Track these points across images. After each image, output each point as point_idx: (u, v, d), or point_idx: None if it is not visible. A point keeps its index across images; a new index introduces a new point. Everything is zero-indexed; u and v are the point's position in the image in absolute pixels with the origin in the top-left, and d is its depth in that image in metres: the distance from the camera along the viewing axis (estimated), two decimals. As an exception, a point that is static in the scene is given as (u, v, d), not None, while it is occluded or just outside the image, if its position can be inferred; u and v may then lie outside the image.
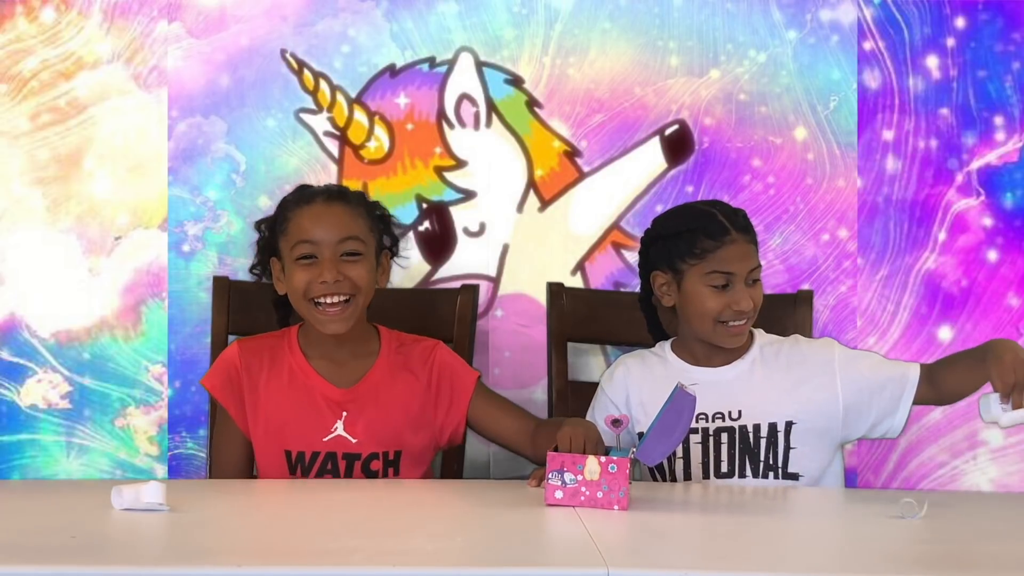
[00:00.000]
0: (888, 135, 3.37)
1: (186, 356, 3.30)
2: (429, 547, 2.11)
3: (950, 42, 3.37)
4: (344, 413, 2.79)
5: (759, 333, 2.87)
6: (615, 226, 3.36)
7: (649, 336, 2.95)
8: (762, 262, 2.87)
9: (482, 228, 3.35)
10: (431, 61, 3.34)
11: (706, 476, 2.77)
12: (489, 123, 3.35)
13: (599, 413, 2.83)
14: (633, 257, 3.36)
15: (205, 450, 3.21)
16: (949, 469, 3.38)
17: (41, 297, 3.30)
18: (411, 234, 3.33)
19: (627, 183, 3.36)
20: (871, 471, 3.38)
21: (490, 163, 3.35)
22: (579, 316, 3.20)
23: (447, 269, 3.34)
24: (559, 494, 2.35)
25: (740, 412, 2.79)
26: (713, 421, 2.78)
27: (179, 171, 3.31)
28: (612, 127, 3.35)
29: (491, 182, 3.35)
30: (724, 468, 2.77)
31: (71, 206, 3.31)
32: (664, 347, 2.89)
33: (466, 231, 3.35)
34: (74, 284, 3.30)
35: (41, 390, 3.30)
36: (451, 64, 3.34)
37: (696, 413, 2.54)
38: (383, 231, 2.88)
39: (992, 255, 3.37)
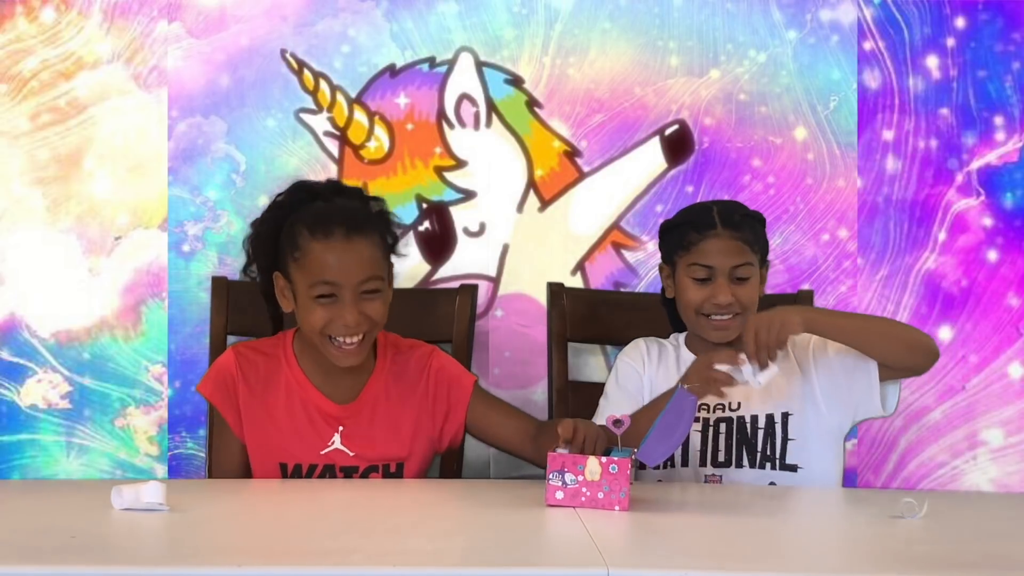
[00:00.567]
0: (888, 135, 3.37)
1: (186, 356, 3.30)
2: (429, 547, 2.11)
3: (950, 42, 3.37)
4: (341, 428, 2.76)
5: None
6: (615, 226, 3.36)
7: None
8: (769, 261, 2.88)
9: (482, 228, 3.35)
10: (431, 61, 3.34)
11: (703, 465, 2.79)
12: (489, 123, 3.35)
13: (624, 380, 2.87)
14: (633, 257, 3.36)
15: (205, 450, 3.21)
16: (949, 469, 3.38)
17: (41, 297, 3.30)
18: (411, 234, 3.33)
19: (627, 183, 3.36)
20: (871, 471, 3.38)
21: (490, 163, 3.35)
22: (579, 316, 3.20)
23: (447, 269, 3.34)
24: (560, 494, 2.34)
25: (739, 404, 2.81)
26: (713, 412, 2.80)
27: (179, 171, 3.31)
28: (612, 127, 3.35)
29: (491, 182, 3.35)
30: (721, 458, 2.80)
31: (71, 206, 3.31)
32: (679, 338, 2.93)
33: (466, 231, 3.35)
34: (74, 284, 3.30)
35: (41, 390, 3.30)
36: (451, 64, 3.34)
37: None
38: (390, 240, 2.78)
39: (992, 255, 3.37)
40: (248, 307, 3.11)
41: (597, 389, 2.95)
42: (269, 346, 2.82)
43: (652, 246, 3.35)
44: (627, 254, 3.36)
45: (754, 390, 2.78)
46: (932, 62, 3.37)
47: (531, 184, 3.36)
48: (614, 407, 2.78)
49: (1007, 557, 2.13)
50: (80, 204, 3.31)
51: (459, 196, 3.35)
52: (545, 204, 3.36)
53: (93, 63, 3.31)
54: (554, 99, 3.35)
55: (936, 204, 3.38)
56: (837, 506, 2.66)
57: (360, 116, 3.33)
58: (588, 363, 3.30)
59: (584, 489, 2.34)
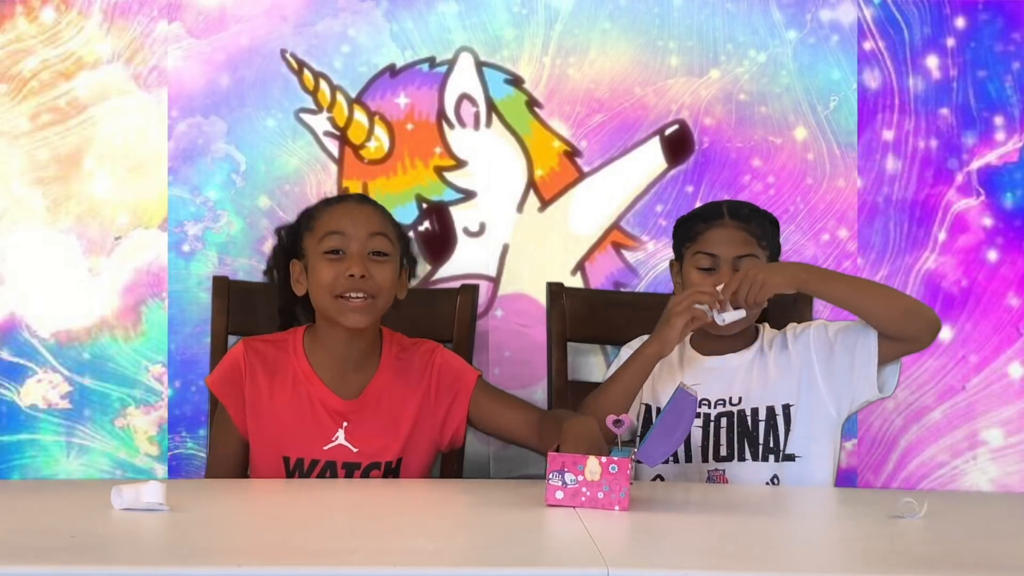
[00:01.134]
0: (888, 135, 3.37)
1: (186, 356, 3.30)
2: (429, 547, 2.11)
3: (950, 42, 3.37)
4: (345, 423, 2.78)
5: (764, 327, 2.91)
6: (615, 226, 3.36)
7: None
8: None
9: (482, 228, 3.35)
10: (431, 61, 3.34)
11: (705, 460, 2.80)
12: (489, 123, 3.35)
13: None
14: (633, 257, 3.36)
15: (205, 450, 3.21)
16: (949, 469, 3.38)
17: (41, 297, 3.30)
18: (411, 234, 3.33)
19: (627, 183, 3.36)
20: (871, 471, 3.38)
21: (490, 163, 3.35)
22: (579, 316, 3.20)
23: (447, 269, 3.34)
24: (560, 494, 2.34)
25: (740, 398, 2.82)
26: (714, 407, 2.81)
27: (179, 171, 3.31)
28: (612, 127, 3.35)
29: (491, 182, 3.35)
30: (724, 452, 2.80)
31: (71, 206, 3.31)
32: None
33: (466, 231, 3.35)
34: (74, 284, 3.30)
35: (41, 390, 3.30)
36: (451, 64, 3.34)
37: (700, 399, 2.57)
38: (405, 246, 2.88)
39: (992, 255, 3.37)
40: (248, 307, 3.12)
41: (597, 389, 2.95)
42: (280, 339, 2.85)
43: (652, 246, 3.35)
44: (627, 254, 3.36)
45: (754, 383, 2.79)
46: (932, 62, 3.37)
47: (531, 184, 3.36)
48: None
49: (1007, 557, 2.13)
50: (80, 204, 3.31)
51: (459, 196, 3.35)
52: (545, 204, 3.36)
53: (93, 63, 3.31)
54: (554, 99, 3.35)
55: (936, 204, 3.38)
56: (837, 506, 2.66)
57: (360, 116, 3.33)
58: (588, 363, 3.30)
59: (584, 489, 2.34)
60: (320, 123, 3.33)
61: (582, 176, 3.36)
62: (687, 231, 2.88)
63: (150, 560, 2.03)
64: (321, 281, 2.77)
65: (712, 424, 2.81)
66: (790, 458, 2.79)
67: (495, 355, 3.33)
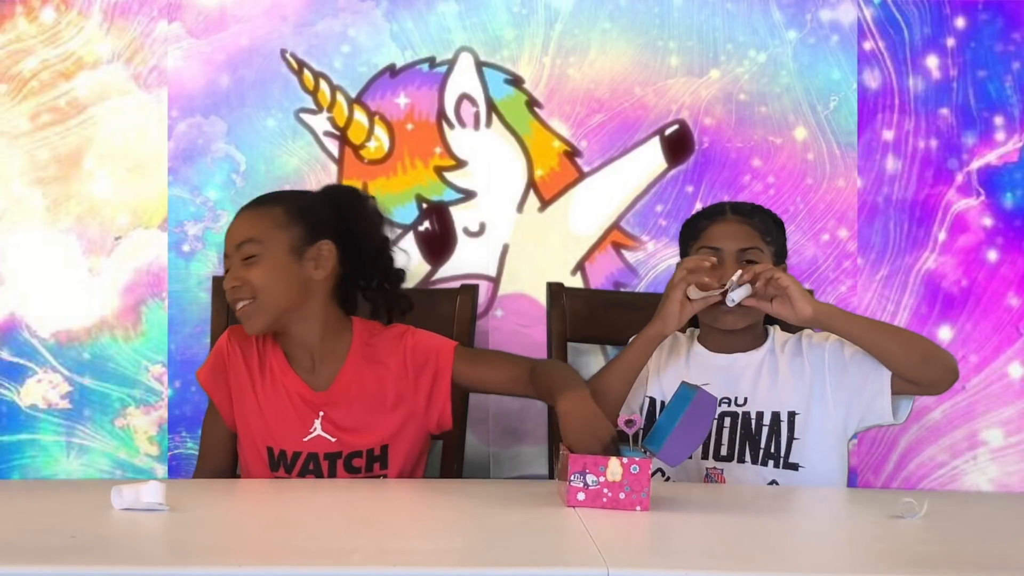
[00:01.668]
0: (888, 135, 3.37)
1: (186, 356, 3.30)
2: (429, 547, 2.11)
3: (950, 42, 3.37)
4: (321, 413, 2.78)
5: (775, 329, 2.90)
6: (615, 226, 3.36)
7: None
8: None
9: (482, 228, 3.35)
10: (431, 61, 3.34)
11: (705, 457, 2.79)
12: (489, 123, 3.35)
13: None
14: (633, 257, 3.36)
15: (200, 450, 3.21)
16: (949, 469, 3.38)
17: (41, 297, 3.30)
18: (411, 234, 3.33)
19: (627, 183, 3.36)
20: (871, 471, 3.38)
21: (490, 163, 3.35)
22: (579, 316, 3.20)
23: (447, 269, 3.34)
24: (581, 496, 2.34)
25: (746, 399, 2.81)
26: (719, 406, 2.80)
27: (179, 171, 3.32)
28: (612, 127, 3.35)
29: (491, 182, 3.35)
30: (724, 451, 2.79)
31: (71, 206, 3.31)
32: (694, 332, 2.93)
33: (466, 231, 3.35)
34: (74, 284, 3.31)
35: (41, 390, 3.30)
36: (451, 64, 3.34)
37: None
38: (318, 228, 2.79)
39: (992, 255, 3.37)
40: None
41: (597, 389, 2.95)
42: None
43: (652, 246, 3.35)
44: (627, 254, 3.36)
45: (762, 386, 2.79)
46: (932, 62, 3.37)
47: (531, 184, 3.36)
48: None
49: (1007, 557, 2.13)
50: (80, 204, 3.31)
51: (459, 196, 3.35)
52: (545, 204, 3.36)
53: (93, 63, 3.31)
54: (554, 99, 3.35)
55: (936, 204, 3.38)
56: (837, 506, 2.66)
57: (360, 116, 3.34)
58: (588, 363, 3.30)
59: (606, 490, 2.33)
60: (320, 123, 3.33)
61: (582, 176, 3.36)
62: (691, 230, 2.89)
63: (150, 560, 2.03)
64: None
65: (714, 423, 2.80)
66: (793, 467, 2.78)
67: (495, 355, 3.33)
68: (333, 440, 2.77)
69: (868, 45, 3.37)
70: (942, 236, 3.37)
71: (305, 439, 2.78)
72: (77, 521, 2.23)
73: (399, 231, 3.31)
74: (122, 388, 3.31)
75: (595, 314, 3.22)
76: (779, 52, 3.37)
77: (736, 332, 2.84)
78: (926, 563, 2.08)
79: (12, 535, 2.12)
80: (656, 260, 3.34)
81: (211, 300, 3.19)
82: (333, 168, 3.33)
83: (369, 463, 2.77)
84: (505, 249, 3.35)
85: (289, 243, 2.77)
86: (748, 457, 2.79)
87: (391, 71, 3.34)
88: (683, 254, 2.90)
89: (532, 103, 3.35)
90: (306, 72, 3.33)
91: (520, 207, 3.36)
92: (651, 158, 3.37)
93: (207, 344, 3.19)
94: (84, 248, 3.31)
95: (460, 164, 3.35)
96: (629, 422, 2.45)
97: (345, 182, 3.31)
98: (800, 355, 2.83)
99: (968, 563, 2.08)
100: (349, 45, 3.33)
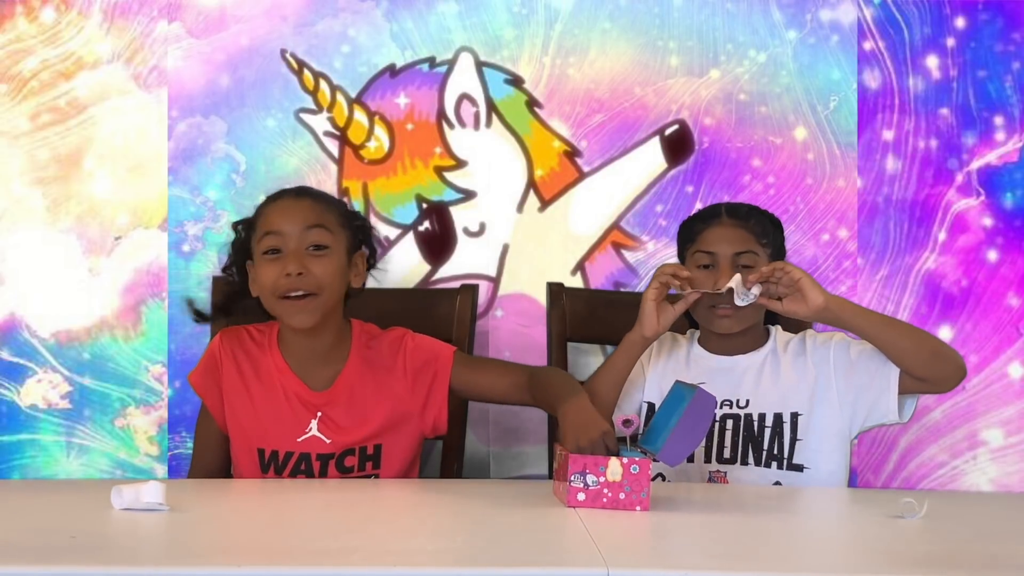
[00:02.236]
0: (888, 135, 3.37)
1: (186, 356, 3.30)
2: (429, 547, 2.11)
3: (950, 42, 3.37)
4: (319, 414, 2.78)
5: (776, 330, 2.89)
6: (615, 226, 3.36)
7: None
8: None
9: (482, 228, 3.35)
10: (431, 61, 3.34)
11: (708, 461, 2.79)
12: (489, 123, 3.35)
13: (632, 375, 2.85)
14: (633, 257, 3.36)
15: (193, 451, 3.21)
16: (949, 469, 3.38)
17: (41, 297, 3.30)
18: (411, 234, 3.33)
19: (627, 183, 3.36)
20: (871, 471, 3.38)
21: (490, 163, 3.35)
22: (579, 316, 3.20)
23: (447, 269, 3.34)
24: (581, 496, 2.34)
25: (747, 401, 2.81)
26: (721, 408, 2.79)
27: (179, 171, 3.32)
28: (612, 127, 3.35)
29: (491, 182, 3.35)
30: (727, 454, 2.79)
31: (71, 206, 3.31)
32: (694, 334, 2.93)
33: (466, 231, 3.35)
34: (74, 284, 3.31)
35: (41, 390, 3.30)
36: (451, 64, 3.34)
37: None
38: (360, 236, 2.83)
39: (992, 255, 3.37)
40: (248, 307, 3.11)
41: (597, 389, 2.94)
42: (257, 331, 2.84)
43: (652, 246, 3.35)
44: (627, 254, 3.36)
45: (764, 387, 2.79)
46: (932, 62, 3.37)
47: (531, 184, 3.36)
48: None
49: (1007, 557, 2.13)
50: (80, 204, 3.31)
51: (459, 196, 3.35)
52: (545, 204, 3.36)
53: (93, 63, 3.31)
54: (554, 99, 3.35)
55: (936, 204, 3.38)
56: (837, 506, 2.66)
57: (360, 116, 3.34)
58: (588, 363, 3.30)
59: (606, 490, 2.33)
60: (320, 123, 3.33)
61: (582, 176, 3.36)
62: (687, 233, 2.88)
63: (150, 560, 2.03)
64: (263, 283, 2.75)
65: (717, 425, 2.80)
66: (797, 468, 2.78)
67: (495, 355, 3.33)
68: (328, 441, 2.76)
69: (868, 45, 3.37)
70: (942, 236, 3.37)
71: (299, 439, 2.77)
72: (77, 521, 2.23)
73: (399, 231, 3.31)
74: (122, 388, 3.31)
75: (595, 314, 3.22)
76: (779, 52, 3.37)
77: (734, 334, 2.83)
78: (926, 563, 2.08)
79: (12, 535, 2.12)
80: (656, 260, 3.34)
81: (211, 300, 3.18)
82: (333, 168, 3.33)
83: (362, 462, 2.77)
84: (505, 249, 3.35)
85: (347, 245, 2.79)
86: (751, 459, 2.79)
87: (391, 71, 3.34)
88: (680, 256, 2.90)
89: (532, 103, 3.35)
90: (306, 72, 3.33)
91: (520, 207, 3.36)
92: (651, 158, 3.37)
93: (207, 344, 3.18)
94: (84, 248, 3.31)
95: (460, 164, 3.35)
96: (627, 422, 2.45)
97: (345, 182, 3.31)
98: (803, 355, 2.83)
99: (968, 563, 2.08)
100: (349, 45, 3.34)
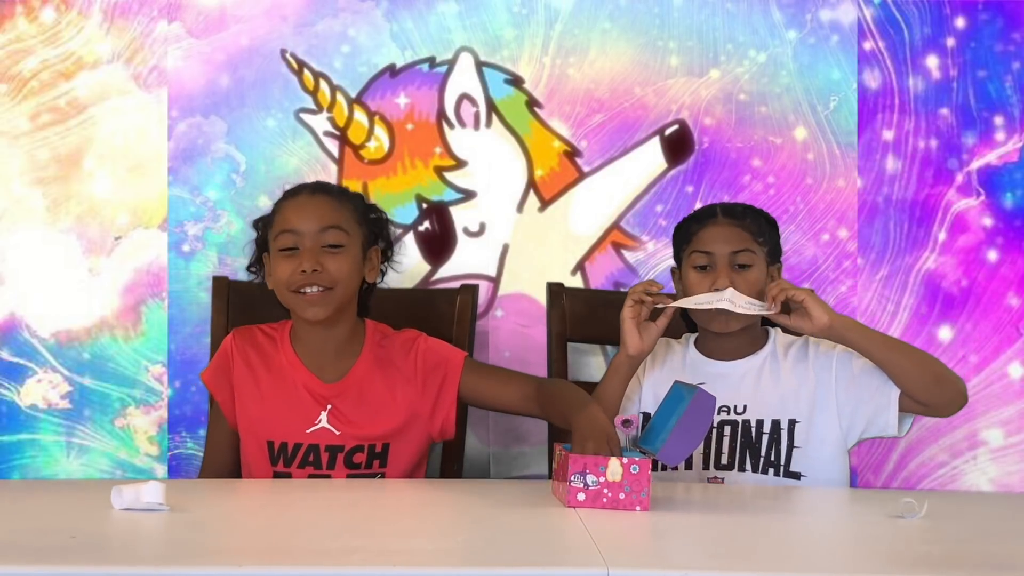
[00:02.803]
0: (888, 135, 3.37)
1: (186, 356, 3.30)
2: (429, 547, 2.11)
3: (950, 42, 3.37)
4: (329, 406, 2.80)
5: (776, 332, 2.88)
6: (615, 226, 3.36)
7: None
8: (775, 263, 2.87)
9: (482, 228, 3.35)
10: (431, 61, 3.34)
11: (706, 467, 2.79)
12: (489, 123, 3.35)
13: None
14: (633, 257, 3.36)
15: (204, 450, 3.21)
16: (949, 469, 3.38)
17: (41, 297, 3.30)
18: (411, 234, 3.33)
19: (627, 183, 3.36)
20: (871, 471, 3.38)
21: (490, 163, 3.35)
22: (579, 316, 3.20)
23: (447, 269, 3.34)
24: (582, 496, 2.34)
25: (745, 407, 2.80)
26: (718, 414, 2.79)
27: (179, 171, 3.32)
28: (612, 127, 3.35)
29: (491, 182, 3.35)
30: (724, 460, 2.79)
31: (71, 206, 3.31)
32: (689, 338, 2.92)
33: (466, 231, 3.35)
34: (74, 284, 3.31)
35: (41, 390, 3.30)
36: (451, 64, 3.34)
37: None
38: (376, 231, 2.87)
39: (992, 255, 3.37)
40: (248, 307, 3.12)
41: (597, 389, 2.95)
42: (270, 328, 2.89)
43: (652, 246, 3.35)
44: (627, 254, 3.36)
45: (762, 392, 2.78)
46: (932, 62, 3.37)
47: (531, 184, 3.36)
48: None
49: (1007, 557, 2.13)
50: (80, 204, 3.31)
51: (459, 196, 3.35)
52: (545, 204, 3.36)
53: (93, 63, 3.31)
54: (554, 99, 3.35)
55: (936, 204, 3.38)
56: (837, 506, 2.66)
57: (360, 116, 3.34)
58: (588, 363, 3.30)
59: (606, 490, 2.33)
60: (320, 123, 3.33)
61: (582, 176, 3.36)
62: (683, 234, 2.87)
63: (150, 560, 2.03)
64: (278, 278, 2.79)
65: (714, 431, 2.79)
66: (795, 476, 2.78)
67: (495, 355, 3.33)
68: (338, 433, 2.79)
69: (868, 45, 3.37)
70: (942, 236, 3.37)
71: (308, 430, 2.79)
72: (77, 521, 2.23)
73: (399, 231, 3.31)
74: (122, 388, 3.31)
75: (595, 314, 3.22)
76: (779, 52, 3.37)
77: (733, 335, 2.83)
78: (926, 563, 2.08)
79: (12, 535, 2.12)
80: (656, 260, 3.35)
81: (211, 300, 3.19)
82: (333, 168, 3.33)
83: (369, 459, 2.78)
84: (505, 249, 3.35)
85: (362, 241, 2.83)
86: (749, 466, 2.78)
87: (391, 71, 3.34)
88: (676, 257, 2.90)
89: (532, 103, 3.35)
90: (306, 72, 3.33)
91: (520, 207, 3.36)
92: (651, 158, 3.37)
93: (207, 344, 3.19)
94: (84, 248, 3.31)
95: (460, 164, 3.35)
96: (626, 422, 2.45)
97: (345, 182, 3.31)
98: (805, 361, 2.82)
99: (968, 563, 2.08)
100: (349, 45, 3.33)
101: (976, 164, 3.38)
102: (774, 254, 2.86)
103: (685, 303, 2.75)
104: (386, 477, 2.80)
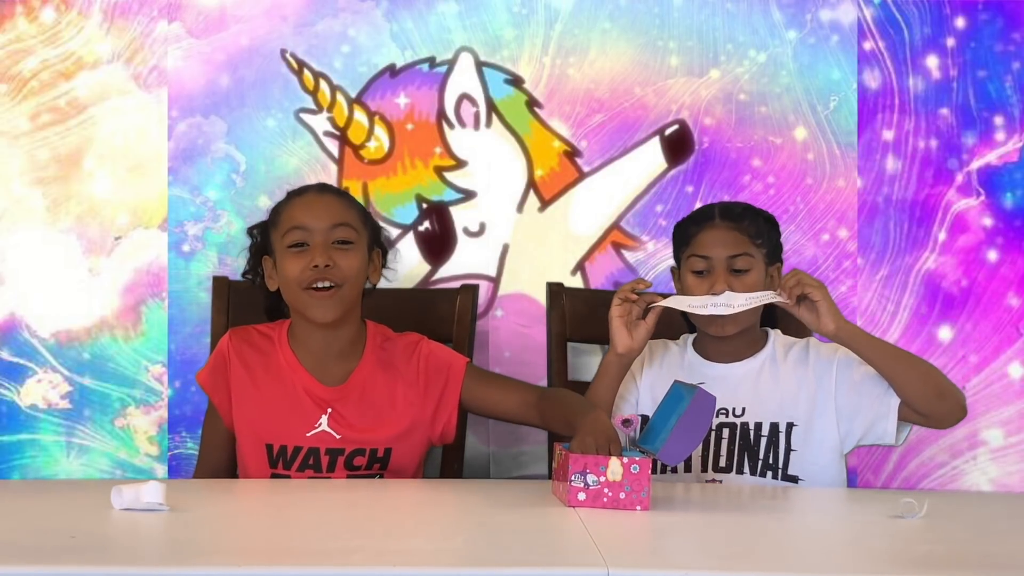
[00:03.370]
0: (888, 135, 3.37)
1: (186, 356, 3.30)
2: (429, 547, 2.11)
3: (950, 42, 3.37)
4: (329, 410, 2.79)
5: (776, 333, 2.88)
6: (615, 226, 3.36)
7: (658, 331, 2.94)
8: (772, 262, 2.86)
9: (482, 228, 3.35)
10: (431, 61, 3.34)
11: (704, 470, 2.78)
12: (489, 123, 3.35)
13: (621, 386, 2.83)
14: (633, 257, 3.36)
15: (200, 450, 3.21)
16: (949, 469, 3.38)
17: (41, 297, 3.30)
18: (411, 234, 3.33)
19: (627, 183, 3.36)
20: (871, 471, 3.38)
21: (490, 163, 3.35)
22: (579, 316, 3.20)
23: (447, 269, 3.34)
24: (582, 495, 2.34)
25: (744, 409, 2.80)
26: (716, 416, 2.78)
27: (179, 171, 3.32)
28: (612, 127, 3.35)
29: (491, 182, 3.35)
30: (723, 463, 2.78)
31: (71, 206, 3.31)
32: (687, 340, 2.92)
33: (466, 231, 3.35)
34: (74, 284, 3.31)
35: (41, 390, 3.30)
36: (451, 64, 3.34)
37: None
38: (375, 234, 2.88)
39: (992, 255, 3.37)
40: (248, 307, 3.11)
41: (597, 389, 2.94)
42: (267, 328, 2.88)
43: (652, 246, 3.35)
44: (627, 254, 3.36)
45: (761, 395, 2.78)
46: (932, 62, 3.37)
47: (531, 184, 3.36)
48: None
49: (1007, 557, 2.13)
50: (80, 204, 3.31)
51: (459, 196, 3.35)
52: (545, 204, 3.36)
53: (93, 63, 3.31)
54: (554, 99, 3.35)
55: (936, 204, 3.38)
56: (837, 506, 2.66)
57: (360, 116, 3.34)
58: (588, 363, 3.30)
59: (606, 490, 2.34)
60: (320, 123, 3.33)
61: (582, 176, 3.36)
62: (681, 236, 2.86)
63: (150, 560, 2.03)
64: (288, 275, 2.77)
65: (713, 434, 2.79)
66: (792, 479, 2.77)
67: (495, 355, 3.33)
68: (338, 437, 2.78)
69: (868, 45, 3.37)
70: (942, 236, 3.37)
71: (308, 434, 2.78)
72: (77, 521, 2.23)
73: (399, 231, 3.31)
74: (122, 388, 3.31)
75: (595, 314, 3.21)
76: (779, 52, 3.37)
77: (731, 337, 2.82)
78: (926, 563, 2.08)
79: (12, 535, 2.12)
80: (656, 260, 3.35)
81: (211, 300, 3.19)
82: (333, 168, 3.33)
83: (370, 463, 2.78)
84: (505, 249, 3.35)
85: (368, 242, 2.83)
86: (747, 468, 2.78)
87: (391, 71, 3.34)
88: (676, 259, 2.89)
89: (532, 103, 3.35)
90: (306, 72, 3.33)
91: (520, 207, 3.36)
92: (651, 158, 3.37)
93: (207, 344, 3.19)
94: (84, 248, 3.31)
95: (460, 164, 3.35)
96: (626, 422, 2.45)
97: (345, 182, 3.31)
98: (805, 364, 2.82)
99: (968, 563, 2.08)
100: (349, 45, 3.34)
101: (976, 164, 3.38)
102: (774, 254, 2.86)
103: (677, 304, 2.74)
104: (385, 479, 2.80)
